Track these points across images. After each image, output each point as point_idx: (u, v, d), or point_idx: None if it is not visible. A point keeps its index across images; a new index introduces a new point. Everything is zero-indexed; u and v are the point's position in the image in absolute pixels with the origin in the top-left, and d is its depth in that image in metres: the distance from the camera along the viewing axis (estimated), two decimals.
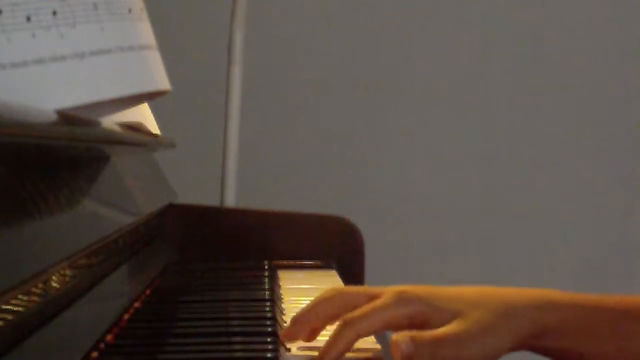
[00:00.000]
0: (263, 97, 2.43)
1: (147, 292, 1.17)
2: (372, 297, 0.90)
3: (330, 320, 0.90)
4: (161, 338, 0.95)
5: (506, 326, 0.88)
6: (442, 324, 0.87)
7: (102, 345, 0.87)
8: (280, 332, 0.92)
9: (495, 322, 0.88)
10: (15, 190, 0.72)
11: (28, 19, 0.79)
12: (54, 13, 0.81)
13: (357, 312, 0.87)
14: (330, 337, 0.86)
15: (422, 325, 0.87)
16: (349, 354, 0.87)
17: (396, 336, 0.84)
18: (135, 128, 1.10)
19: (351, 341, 0.86)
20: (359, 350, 0.90)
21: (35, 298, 0.72)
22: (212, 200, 1.72)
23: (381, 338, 0.95)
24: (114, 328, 0.94)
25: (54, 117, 0.77)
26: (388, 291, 0.90)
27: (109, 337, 0.91)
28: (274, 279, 1.31)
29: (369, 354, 0.90)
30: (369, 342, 0.92)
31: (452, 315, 0.87)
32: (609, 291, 2.46)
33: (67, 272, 0.82)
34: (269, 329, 0.96)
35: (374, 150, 2.49)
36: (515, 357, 0.95)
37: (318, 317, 0.90)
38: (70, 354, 0.79)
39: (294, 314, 1.04)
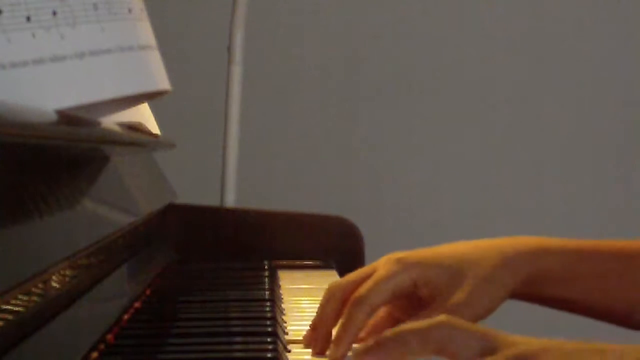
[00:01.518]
0: (263, 97, 2.43)
1: (147, 292, 1.17)
2: (369, 275, 0.90)
3: (341, 314, 0.90)
4: (161, 338, 0.95)
5: (505, 275, 0.88)
6: (444, 284, 0.87)
7: (102, 346, 0.87)
8: (304, 338, 0.92)
9: (495, 273, 0.88)
10: (15, 190, 0.72)
11: (28, 19, 0.79)
12: (54, 13, 0.81)
13: (362, 289, 0.87)
14: (342, 318, 0.86)
15: (425, 286, 0.88)
16: None
17: (357, 347, 0.79)
18: (135, 128, 1.10)
19: (364, 318, 0.86)
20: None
21: (35, 298, 0.72)
22: (212, 200, 1.72)
23: None
24: (114, 328, 0.94)
25: (54, 117, 0.77)
26: (386, 261, 0.90)
27: (109, 337, 0.91)
28: (274, 279, 1.31)
29: None
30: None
31: (452, 274, 0.88)
32: None
33: (67, 272, 0.82)
34: (269, 329, 0.96)
35: (374, 150, 2.49)
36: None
37: (330, 317, 0.90)
38: (71, 354, 0.79)
39: (295, 314, 1.04)
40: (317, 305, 1.11)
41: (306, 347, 0.91)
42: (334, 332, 0.88)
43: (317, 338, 0.90)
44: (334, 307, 0.90)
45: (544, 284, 0.89)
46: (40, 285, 0.73)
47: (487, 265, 0.88)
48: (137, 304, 1.08)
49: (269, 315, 1.03)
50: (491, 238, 0.94)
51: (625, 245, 0.91)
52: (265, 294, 1.18)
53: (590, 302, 0.90)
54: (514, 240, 0.92)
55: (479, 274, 0.88)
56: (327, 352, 0.89)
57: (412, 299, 0.90)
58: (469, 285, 0.87)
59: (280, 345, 0.90)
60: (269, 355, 0.86)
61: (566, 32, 2.50)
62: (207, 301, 1.17)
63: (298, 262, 1.50)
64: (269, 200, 2.13)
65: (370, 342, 0.71)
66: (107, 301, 0.98)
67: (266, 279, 1.30)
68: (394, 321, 0.93)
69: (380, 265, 0.91)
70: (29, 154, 0.77)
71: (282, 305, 1.13)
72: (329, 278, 1.39)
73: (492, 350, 0.71)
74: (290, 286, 1.29)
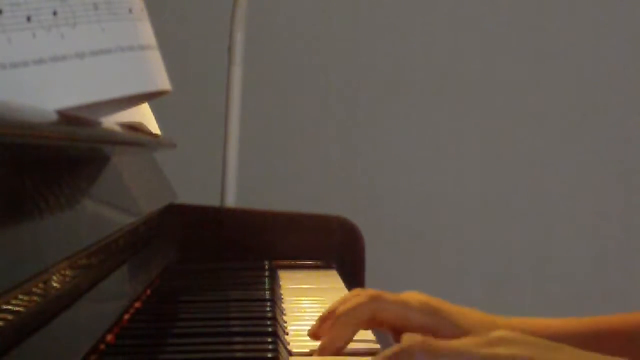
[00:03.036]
0: (263, 98, 2.43)
1: (148, 292, 1.17)
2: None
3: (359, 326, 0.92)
4: (161, 338, 0.95)
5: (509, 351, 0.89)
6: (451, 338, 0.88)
7: (102, 346, 0.88)
8: (310, 331, 0.93)
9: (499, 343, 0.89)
10: (15, 190, 0.72)
11: (28, 19, 0.79)
12: (55, 13, 0.81)
13: (388, 297, 0.90)
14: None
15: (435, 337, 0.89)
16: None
17: (406, 338, 0.84)
18: (136, 128, 1.10)
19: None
20: (358, 353, 0.90)
21: (35, 298, 0.72)
22: (212, 201, 1.72)
23: (383, 339, 0.96)
24: (114, 328, 0.94)
25: (54, 117, 0.77)
26: (417, 298, 0.93)
27: (109, 337, 0.91)
28: (274, 279, 1.31)
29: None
30: (370, 345, 0.92)
31: (464, 331, 0.90)
32: (608, 290, 2.46)
33: (68, 272, 0.82)
34: (269, 329, 0.96)
35: (374, 150, 2.49)
36: None
37: (350, 325, 0.91)
38: (71, 354, 0.79)
39: (295, 313, 1.04)
40: (317, 305, 1.11)
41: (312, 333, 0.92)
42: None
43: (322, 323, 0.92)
44: (360, 316, 0.92)
45: None
46: (40, 285, 0.73)
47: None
48: (137, 304, 1.08)
49: (269, 315, 1.03)
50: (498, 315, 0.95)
51: (595, 323, 0.92)
52: (265, 294, 1.18)
53: None
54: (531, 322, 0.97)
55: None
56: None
57: None
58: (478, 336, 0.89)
59: (281, 345, 0.90)
60: (269, 355, 0.86)
61: (566, 32, 2.50)
62: (208, 301, 1.17)
63: (298, 262, 1.50)
64: (269, 201, 2.13)
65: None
66: (107, 301, 0.98)
67: (266, 279, 1.30)
68: None
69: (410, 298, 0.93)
70: (30, 154, 0.77)
71: (283, 305, 1.13)
72: (329, 278, 1.40)
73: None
74: (291, 286, 1.29)
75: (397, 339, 0.95)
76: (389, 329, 0.95)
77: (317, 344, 0.92)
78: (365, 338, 0.93)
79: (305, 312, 1.11)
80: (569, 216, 2.51)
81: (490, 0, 2.49)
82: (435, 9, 2.49)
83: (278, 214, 1.55)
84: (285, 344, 0.92)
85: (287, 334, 0.99)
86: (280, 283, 1.31)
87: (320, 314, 0.94)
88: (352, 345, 0.91)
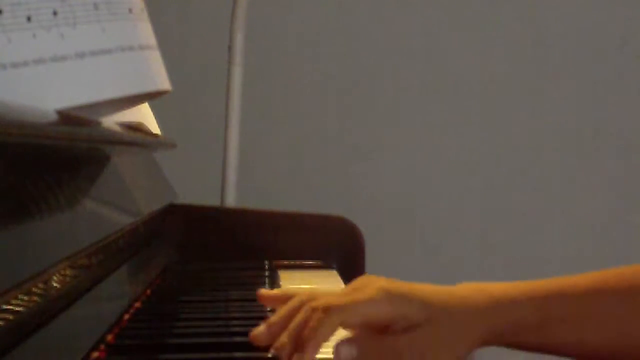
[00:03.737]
0: (263, 98, 2.43)
1: (148, 292, 1.17)
2: (346, 293, 0.87)
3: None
4: (161, 338, 0.95)
5: (476, 327, 0.86)
6: (418, 323, 0.85)
7: (102, 345, 0.87)
8: (252, 333, 0.87)
9: (472, 320, 0.86)
10: (15, 190, 0.72)
11: (29, 19, 0.79)
12: (55, 13, 0.81)
13: (342, 300, 0.84)
14: (312, 322, 0.82)
15: (401, 321, 0.85)
16: None
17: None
18: (136, 128, 1.10)
19: (333, 329, 0.82)
20: None
21: (35, 298, 0.72)
22: (212, 200, 1.72)
23: None
24: (114, 328, 0.94)
25: (54, 117, 0.77)
26: (367, 283, 0.87)
27: (109, 337, 0.91)
28: (274, 279, 1.31)
29: None
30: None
31: (429, 315, 0.85)
32: None
33: (68, 272, 0.82)
34: None
35: (374, 150, 2.49)
36: None
37: (289, 318, 0.86)
38: (71, 354, 0.79)
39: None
40: None
41: (253, 336, 0.86)
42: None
43: (271, 333, 0.86)
44: (296, 309, 0.86)
45: (525, 331, 0.87)
46: (40, 285, 0.73)
47: (470, 312, 0.87)
48: (137, 304, 1.08)
49: (269, 315, 1.03)
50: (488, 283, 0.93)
51: (594, 280, 0.89)
52: None
53: (569, 347, 0.88)
54: (511, 285, 0.90)
55: (453, 321, 0.86)
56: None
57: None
58: (441, 332, 0.86)
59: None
60: (269, 355, 0.86)
61: (567, 32, 2.50)
62: (208, 301, 1.17)
63: (298, 262, 1.50)
64: (270, 201, 2.13)
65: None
66: (107, 301, 0.98)
67: (266, 279, 1.30)
68: None
69: (359, 285, 0.87)
70: (30, 154, 0.77)
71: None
72: (329, 278, 1.39)
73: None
74: (291, 286, 1.29)
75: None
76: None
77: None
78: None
79: None
80: (569, 216, 2.51)
81: (491, 1, 2.49)
82: (435, 9, 2.49)
83: (278, 214, 1.55)
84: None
85: None
86: (280, 283, 1.31)
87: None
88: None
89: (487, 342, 0.87)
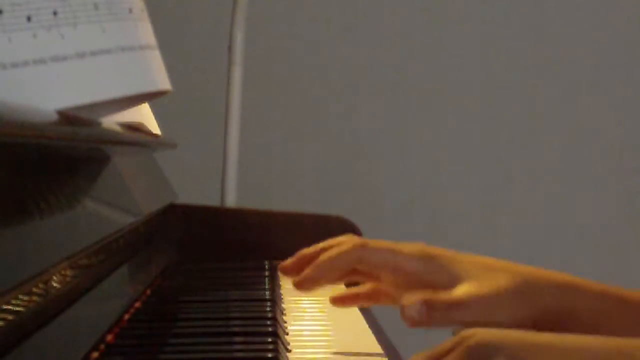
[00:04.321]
0: (263, 98, 2.43)
1: (148, 292, 1.17)
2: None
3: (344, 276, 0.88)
4: (162, 338, 0.95)
5: (531, 296, 0.82)
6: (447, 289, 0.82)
7: (102, 346, 0.87)
8: (281, 264, 0.90)
9: (522, 289, 0.82)
10: (15, 190, 0.72)
11: (29, 19, 0.79)
12: (55, 13, 0.81)
13: (376, 244, 0.84)
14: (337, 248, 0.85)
15: (432, 284, 0.83)
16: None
17: (406, 299, 0.80)
18: (136, 128, 1.10)
19: (352, 261, 0.83)
20: (359, 354, 0.90)
21: (35, 298, 0.72)
22: (212, 201, 1.72)
23: (383, 339, 0.95)
24: (114, 328, 0.94)
25: (54, 117, 0.77)
26: (412, 245, 0.86)
27: (109, 337, 0.91)
28: (274, 279, 1.31)
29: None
30: (370, 346, 0.92)
31: (461, 279, 0.83)
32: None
33: (68, 272, 0.82)
34: (270, 329, 0.96)
35: (374, 150, 2.49)
36: None
37: (333, 269, 0.87)
38: (71, 354, 0.79)
39: (295, 314, 1.04)
40: (317, 305, 1.11)
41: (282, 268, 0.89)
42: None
43: (300, 261, 0.89)
44: (344, 265, 0.88)
45: (575, 322, 0.82)
46: (40, 285, 0.73)
47: (513, 280, 0.83)
48: (137, 304, 1.08)
49: (269, 315, 1.03)
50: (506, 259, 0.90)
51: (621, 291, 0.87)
52: (265, 294, 1.18)
53: None
54: (545, 271, 0.87)
55: (507, 285, 0.83)
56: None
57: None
58: (478, 282, 0.83)
59: (281, 345, 0.90)
60: (269, 355, 0.86)
61: (566, 33, 2.50)
62: (208, 301, 1.17)
63: None
64: (270, 201, 2.13)
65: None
66: (107, 301, 0.98)
67: (266, 279, 1.30)
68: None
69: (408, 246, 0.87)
70: (30, 154, 0.77)
71: (283, 305, 1.13)
72: None
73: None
74: (291, 286, 1.29)
75: (383, 292, 0.90)
76: (375, 278, 0.88)
77: (316, 344, 0.92)
78: (373, 351, 0.92)
79: (305, 312, 1.11)
80: (569, 216, 2.51)
81: (491, 1, 2.49)
82: (435, 9, 2.49)
83: (278, 214, 1.55)
84: (285, 344, 0.92)
85: (287, 334, 0.99)
86: (280, 283, 1.31)
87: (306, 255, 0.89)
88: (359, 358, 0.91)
89: (541, 323, 0.82)
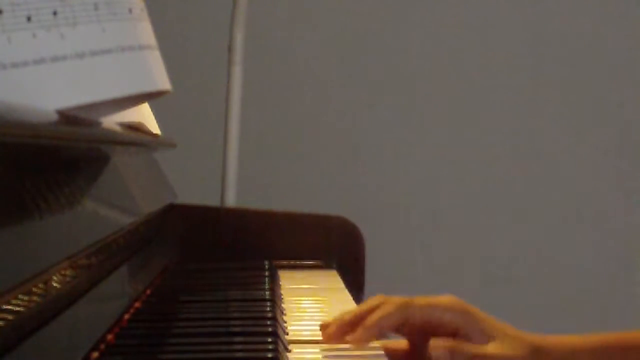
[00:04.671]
0: (263, 98, 2.43)
1: (148, 292, 1.17)
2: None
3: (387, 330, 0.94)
4: (162, 338, 0.95)
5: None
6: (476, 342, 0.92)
7: (102, 345, 0.87)
8: (322, 325, 0.94)
9: (528, 356, 0.92)
10: (15, 190, 0.72)
11: (28, 19, 0.79)
12: (55, 13, 0.81)
13: (417, 301, 0.92)
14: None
15: (466, 337, 0.92)
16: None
17: (434, 343, 0.89)
18: (136, 128, 1.10)
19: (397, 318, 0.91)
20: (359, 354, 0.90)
21: (35, 298, 0.72)
22: (212, 201, 1.72)
23: (382, 338, 0.95)
24: (114, 328, 0.94)
25: (54, 117, 0.77)
26: (447, 298, 0.94)
27: (109, 337, 0.91)
28: (274, 279, 1.31)
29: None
30: (369, 346, 0.92)
31: (489, 337, 0.92)
32: (609, 291, 2.45)
33: (68, 272, 0.82)
34: (270, 329, 0.96)
35: (374, 150, 2.49)
36: None
37: (382, 329, 0.93)
38: (71, 354, 0.79)
39: (295, 314, 1.04)
40: (318, 305, 1.11)
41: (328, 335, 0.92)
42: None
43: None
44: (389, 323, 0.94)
45: None
46: (40, 285, 0.73)
47: (521, 347, 0.93)
48: (137, 304, 1.08)
49: (269, 315, 1.03)
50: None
51: (622, 339, 0.95)
52: (265, 294, 1.18)
53: None
54: (545, 338, 0.96)
55: (515, 349, 0.93)
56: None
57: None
58: (502, 344, 0.92)
59: (281, 345, 0.90)
60: (269, 355, 0.86)
61: (566, 33, 2.50)
62: (208, 301, 1.17)
63: (298, 262, 1.50)
64: (270, 200, 2.13)
65: None
66: (107, 301, 0.98)
67: (266, 279, 1.30)
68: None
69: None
70: (30, 154, 0.77)
71: (283, 305, 1.13)
72: (329, 278, 1.40)
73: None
74: (291, 286, 1.29)
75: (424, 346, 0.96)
76: (417, 335, 0.96)
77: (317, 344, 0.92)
78: (373, 351, 0.93)
79: (305, 312, 1.11)
80: (569, 216, 2.51)
81: (491, 1, 2.49)
82: (435, 9, 2.49)
83: (278, 214, 1.55)
84: (285, 344, 0.92)
85: (287, 334, 0.99)
86: (280, 283, 1.31)
87: (336, 317, 0.95)
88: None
89: None
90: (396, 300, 0.94)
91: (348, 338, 0.92)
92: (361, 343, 0.91)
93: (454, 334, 0.93)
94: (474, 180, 2.50)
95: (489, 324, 0.93)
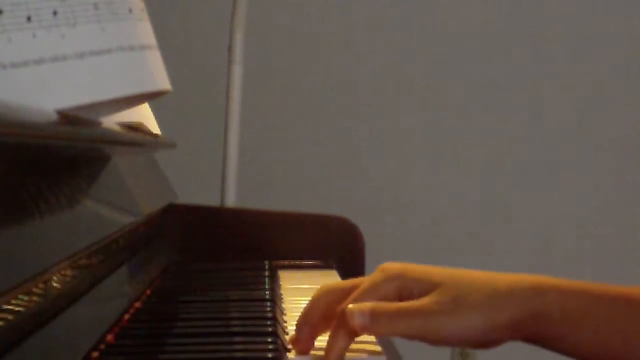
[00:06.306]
0: (263, 97, 2.43)
1: (148, 292, 1.17)
2: (356, 284, 0.88)
3: (328, 318, 0.89)
4: (162, 338, 0.95)
5: (495, 307, 0.83)
6: (424, 295, 0.85)
7: (102, 346, 0.87)
8: (289, 340, 0.91)
9: (480, 299, 0.83)
10: (15, 190, 0.72)
11: (29, 19, 0.79)
12: (55, 13, 0.81)
13: (349, 299, 0.86)
14: (332, 328, 0.85)
15: (408, 297, 0.85)
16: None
17: (352, 305, 0.84)
18: (136, 128, 1.10)
19: (352, 332, 0.85)
20: (359, 353, 0.89)
21: (36, 298, 0.72)
22: (212, 200, 1.72)
23: (382, 339, 0.95)
24: (114, 328, 0.94)
25: (54, 117, 0.77)
26: (376, 273, 0.88)
27: (109, 337, 0.91)
28: (274, 279, 1.31)
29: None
30: (369, 345, 0.92)
31: (433, 287, 0.84)
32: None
33: (68, 272, 0.82)
34: (270, 329, 0.96)
35: (374, 150, 2.49)
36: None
37: (315, 317, 0.89)
38: (71, 354, 0.79)
39: (295, 314, 1.04)
40: None
41: (292, 347, 0.91)
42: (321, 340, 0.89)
43: (301, 338, 0.89)
44: (320, 309, 0.89)
45: (549, 323, 0.83)
46: (40, 285, 0.73)
47: (473, 290, 0.84)
48: (137, 304, 1.08)
49: (269, 315, 1.03)
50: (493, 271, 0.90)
51: (633, 291, 0.87)
52: (265, 294, 1.18)
53: (595, 348, 0.86)
54: (517, 276, 0.87)
55: (458, 295, 0.83)
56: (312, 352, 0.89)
57: None
58: (456, 306, 0.85)
59: (281, 345, 0.90)
60: (269, 355, 0.86)
61: (566, 33, 2.50)
62: (208, 301, 1.17)
63: (298, 262, 1.50)
64: (269, 200, 2.13)
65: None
66: (107, 301, 0.98)
67: (266, 279, 1.30)
68: None
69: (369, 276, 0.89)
70: (30, 154, 0.77)
71: (283, 305, 1.13)
72: (329, 278, 1.39)
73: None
74: (291, 286, 1.29)
75: None
76: None
77: (316, 343, 0.92)
78: (373, 350, 0.92)
79: None
80: (569, 216, 2.51)
81: (491, 2, 2.49)
82: (435, 9, 2.49)
83: (278, 214, 1.55)
84: (285, 344, 0.92)
85: (287, 334, 0.99)
86: (280, 283, 1.31)
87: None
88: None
89: (519, 329, 0.83)
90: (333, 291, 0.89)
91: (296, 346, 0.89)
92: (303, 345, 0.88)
93: (399, 299, 0.85)
94: (474, 180, 2.50)
95: (428, 276, 0.85)
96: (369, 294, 0.86)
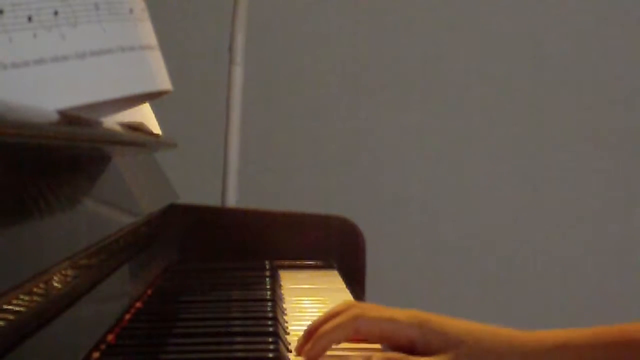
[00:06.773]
0: (264, 98, 2.43)
1: (149, 292, 1.17)
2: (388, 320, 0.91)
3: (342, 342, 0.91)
4: (162, 338, 0.95)
5: None
6: (443, 350, 0.87)
7: (103, 345, 0.88)
8: (296, 347, 0.92)
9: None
10: (16, 190, 0.72)
11: (29, 19, 0.79)
12: (56, 13, 0.81)
13: (371, 312, 0.89)
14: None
15: (425, 347, 0.88)
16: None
17: (374, 356, 0.86)
18: (137, 128, 1.10)
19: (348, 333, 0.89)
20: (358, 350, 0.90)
21: (36, 298, 0.72)
22: (213, 201, 1.72)
23: None
24: (115, 328, 0.94)
25: (55, 117, 0.77)
26: (406, 312, 0.91)
27: (110, 337, 0.91)
28: (275, 279, 1.31)
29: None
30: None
31: (454, 345, 0.87)
32: (609, 291, 2.45)
33: (69, 272, 0.82)
34: (271, 329, 0.96)
35: (375, 150, 2.49)
36: None
37: (331, 342, 0.90)
38: (72, 354, 0.79)
39: (296, 313, 1.04)
40: (318, 305, 1.11)
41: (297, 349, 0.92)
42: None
43: (307, 339, 0.91)
44: (340, 336, 0.91)
45: None
46: (41, 285, 0.73)
47: (484, 351, 0.87)
48: (138, 304, 1.08)
49: (270, 315, 1.03)
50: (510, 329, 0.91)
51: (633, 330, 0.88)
52: (266, 294, 1.18)
53: None
54: (531, 335, 0.90)
55: (468, 355, 0.87)
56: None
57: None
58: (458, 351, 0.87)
59: (282, 345, 0.90)
60: (270, 355, 0.86)
61: (566, 32, 2.50)
62: (209, 301, 1.17)
63: (299, 262, 1.50)
64: (270, 200, 2.13)
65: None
66: (108, 301, 0.98)
67: (267, 279, 1.30)
68: None
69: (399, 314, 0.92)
70: (31, 154, 0.77)
71: (284, 305, 1.13)
72: (330, 278, 1.40)
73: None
74: (292, 286, 1.29)
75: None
76: (380, 343, 0.93)
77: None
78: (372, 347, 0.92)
79: (306, 312, 1.11)
80: (569, 216, 2.51)
81: (491, 3, 2.49)
82: (435, 8, 2.49)
83: (279, 214, 1.55)
84: (286, 344, 0.92)
85: (288, 334, 0.99)
86: (281, 283, 1.31)
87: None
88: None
89: None
90: (352, 311, 0.92)
91: (301, 351, 0.90)
92: (313, 356, 0.89)
93: (412, 346, 0.89)
94: (474, 180, 2.50)
95: (449, 326, 0.88)
96: (387, 333, 0.89)
